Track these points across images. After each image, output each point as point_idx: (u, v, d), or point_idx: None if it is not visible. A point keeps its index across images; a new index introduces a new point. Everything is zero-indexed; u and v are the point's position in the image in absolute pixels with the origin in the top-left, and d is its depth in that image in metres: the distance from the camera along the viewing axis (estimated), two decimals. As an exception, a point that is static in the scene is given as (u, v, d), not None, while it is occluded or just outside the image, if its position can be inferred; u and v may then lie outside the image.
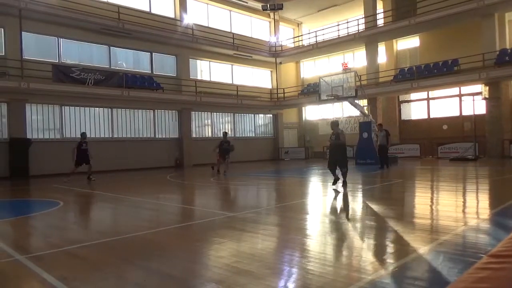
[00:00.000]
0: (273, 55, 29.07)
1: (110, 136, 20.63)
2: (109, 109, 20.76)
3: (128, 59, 22.60)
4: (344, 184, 10.35)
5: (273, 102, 28.90)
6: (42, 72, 17.64)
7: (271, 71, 30.33)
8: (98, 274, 3.91)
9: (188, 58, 24.68)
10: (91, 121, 20.15)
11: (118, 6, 20.69)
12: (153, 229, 6.06)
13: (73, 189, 12.28)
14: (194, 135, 24.26)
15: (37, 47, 18.85)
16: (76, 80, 18.59)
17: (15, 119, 17.36)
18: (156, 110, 22.62)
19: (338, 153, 10.26)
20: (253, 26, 29.09)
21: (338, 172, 10.60)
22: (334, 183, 10.46)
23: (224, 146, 16.20)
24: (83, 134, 15.11)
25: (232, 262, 4.07)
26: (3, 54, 17.59)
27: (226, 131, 17.83)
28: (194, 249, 4.83)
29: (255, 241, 5.14)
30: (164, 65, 23.96)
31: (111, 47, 21.44)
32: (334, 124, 10.55)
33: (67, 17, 18.53)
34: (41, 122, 18.55)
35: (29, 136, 17.65)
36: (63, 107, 19.14)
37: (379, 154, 16.82)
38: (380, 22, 25.39)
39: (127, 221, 7.32)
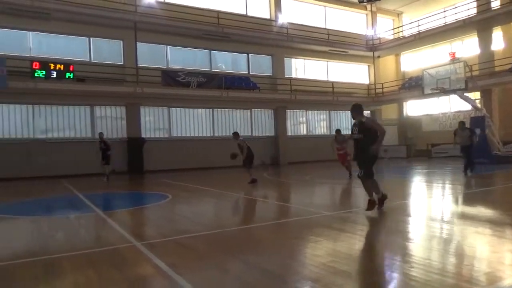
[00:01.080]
0: (370, 49, 27.85)
1: (211, 135, 21.97)
2: (210, 110, 22.09)
3: (226, 62, 23.77)
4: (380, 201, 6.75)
5: (371, 98, 27.70)
6: (153, 78, 19.51)
7: (368, 66, 29.11)
8: (202, 264, 4.22)
9: (283, 57, 24.99)
10: (194, 121, 21.70)
11: (218, 12, 21.86)
12: (252, 224, 6.31)
13: (180, 184, 13.36)
14: (289, 133, 24.51)
15: (149, 55, 20.90)
16: (181, 84, 20.18)
17: (132, 120, 19.51)
18: (252, 109, 23.39)
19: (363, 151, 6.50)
20: (349, 20, 28.21)
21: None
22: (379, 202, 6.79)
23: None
24: (100, 134, 15.64)
25: (329, 261, 4.04)
26: (122, 63, 19.88)
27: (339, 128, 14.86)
28: (291, 246, 4.91)
29: (353, 241, 5.02)
30: (260, 65, 24.63)
31: (212, 51, 22.76)
32: (356, 108, 6.73)
33: (173, 26, 20.20)
34: (153, 123, 20.59)
35: (143, 135, 19.70)
36: (170, 108, 20.94)
37: (464, 156, 13.29)
38: (495, 4, 22.57)
39: (229, 215, 7.75)
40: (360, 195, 10.31)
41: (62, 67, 16.98)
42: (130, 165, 18.89)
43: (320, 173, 15.58)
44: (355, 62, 28.24)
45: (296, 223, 6.43)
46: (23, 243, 5.65)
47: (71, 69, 17.16)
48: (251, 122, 23.41)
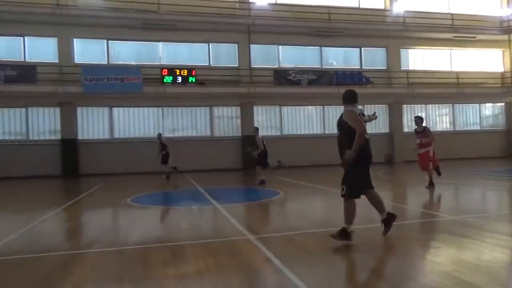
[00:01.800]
0: (505, 31, 24.29)
1: (322, 132, 21.83)
2: (321, 107, 21.96)
3: (338, 57, 23.31)
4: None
5: (506, 88, 24.18)
6: (266, 77, 20.21)
7: (502, 51, 25.45)
8: (313, 261, 4.25)
9: (398, 49, 23.43)
10: (305, 119, 21.84)
11: (329, 7, 21.55)
12: (364, 225, 6.10)
13: (290, 181, 13.60)
14: (406, 130, 22.91)
15: (262, 55, 21.69)
16: (292, 82, 20.49)
17: (246, 119, 20.54)
18: (365, 105, 22.49)
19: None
20: (477, 0, 25.04)
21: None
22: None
23: None
24: (158, 135, 15.77)
25: (452, 270, 3.70)
26: (237, 65, 21.05)
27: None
28: (407, 250, 4.62)
29: (481, 250, 4.49)
30: (373, 59, 23.52)
31: (322, 48, 22.56)
32: (344, 96, 5.31)
33: (285, 26, 20.60)
34: (265, 121, 21.36)
35: (256, 133, 20.60)
36: (281, 107, 21.43)
37: None
38: None
39: (339, 213, 7.62)
40: (492, 198, 9.12)
41: (186, 72, 18.85)
42: (244, 162, 19.90)
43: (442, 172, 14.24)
44: (485, 48, 24.96)
45: (412, 226, 6.01)
46: (155, 230, 6.43)
47: (193, 73, 18.94)
48: (363, 119, 22.54)
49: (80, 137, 18.87)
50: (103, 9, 18.57)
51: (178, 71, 18.80)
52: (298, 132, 21.64)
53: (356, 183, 4.77)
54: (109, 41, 19.65)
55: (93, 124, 19.25)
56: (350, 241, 4.72)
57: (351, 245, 4.72)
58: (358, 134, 4.67)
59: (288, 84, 20.43)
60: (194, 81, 18.96)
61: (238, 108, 20.85)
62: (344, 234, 4.74)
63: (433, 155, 10.01)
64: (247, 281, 3.74)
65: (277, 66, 21.59)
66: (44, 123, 18.82)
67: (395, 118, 22.60)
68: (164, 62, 20.04)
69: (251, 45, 20.72)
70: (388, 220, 5.05)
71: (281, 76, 20.59)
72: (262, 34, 20.88)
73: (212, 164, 19.17)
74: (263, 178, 12.22)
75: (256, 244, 4.95)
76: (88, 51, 19.55)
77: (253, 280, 3.81)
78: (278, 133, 21.41)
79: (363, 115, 5.20)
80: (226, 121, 20.97)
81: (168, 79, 18.63)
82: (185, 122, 20.36)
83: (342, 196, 4.90)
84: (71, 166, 18.21)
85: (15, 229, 6.37)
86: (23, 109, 18.51)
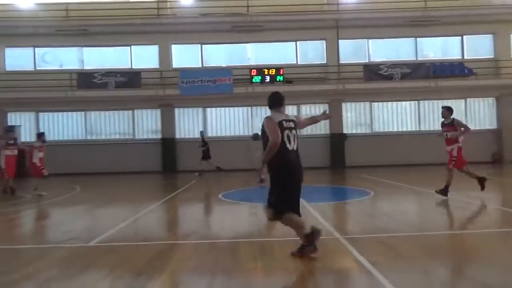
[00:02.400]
0: None
1: (417, 129, 20.44)
2: (416, 102, 20.54)
3: (435, 48, 21.56)
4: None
5: None
6: (355, 73, 19.57)
7: None
8: (404, 265, 4.04)
9: (508, 34, 20.76)
10: (398, 116, 20.64)
11: (424, -5, 20.05)
12: (464, 230, 5.60)
13: (381, 180, 12.99)
14: (519, 125, 20.27)
15: (351, 51, 21.04)
16: (384, 77, 19.52)
17: (334, 117, 19.94)
18: (467, 99, 20.46)
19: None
20: None
21: None
22: None
23: None
24: (201, 133, 15.89)
25: None
26: (325, 62, 20.72)
27: None
28: (517, 261, 4.12)
29: None
30: (477, 47, 21.20)
31: (417, 39, 21.06)
32: (268, 98, 4.74)
33: (375, 18, 19.70)
34: (354, 118, 20.71)
35: (344, 131, 20.06)
36: (372, 103, 20.55)
37: None
38: None
39: (434, 216, 7.10)
40: None
41: (273, 71, 19.17)
42: (332, 160, 19.55)
43: None
44: None
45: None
46: (245, 225, 6.67)
47: (281, 72, 19.16)
48: (465, 113, 20.50)
49: (177, 136, 20.36)
50: (197, 16, 19.82)
51: (266, 70, 19.20)
52: (390, 129, 20.53)
53: (280, 201, 4.31)
54: (203, 45, 20.85)
55: (188, 124, 20.63)
56: (315, 247, 4.23)
57: (452, 252, 4.37)
58: (270, 143, 4.25)
59: (379, 79, 19.50)
60: (282, 80, 19.18)
61: (326, 106, 20.51)
62: (307, 243, 4.24)
63: (458, 153, 8.27)
64: (336, 281, 3.69)
65: (367, 61, 20.74)
66: (147, 124, 20.73)
67: (504, 112, 20.13)
68: (252, 62, 20.59)
69: (340, 41, 20.23)
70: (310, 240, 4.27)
71: (372, 71, 19.75)
72: (350, 28, 20.24)
73: (308, 162, 19.19)
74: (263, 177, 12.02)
75: (345, 244, 4.86)
76: (184, 56, 20.98)
77: (341, 281, 3.75)
78: (368, 131, 20.58)
79: (291, 121, 4.50)
80: (314, 119, 20.82)
81: (257, 79, 19.13)
82: (273, 121, 20.68)
83: (267, 207, 4.45)
84: (169, 163, 19.75)
85: (124, 219, 7.15)
86: (130, 111, 20.58)
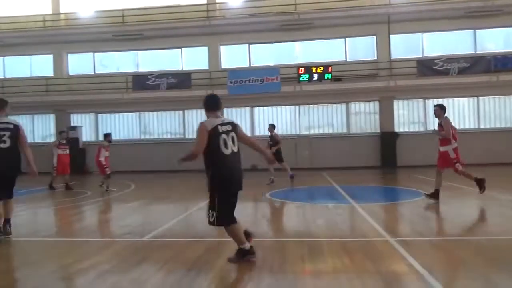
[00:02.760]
0: None
1: (476, 127, 19.22)
2: (474, 98, 19.33)
3: (497, 40, 20.14)
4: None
5: None
6: (407, 69, 18.79)
7: None
8: (463, 273, 3.83)
9: None
10: (454, 113, 19.50)
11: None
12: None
13: (433, 180, 12.35)
14: None
15: (403, 46, 20.21)
16: (439, 72, 18.55)
17: (385, 115, 19.49)
18: (534, 95, 18.93)
19: None
20: None
21: None
22: None
23: None
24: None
25: None
26: (375, 58, 20.10)
27: None
28: None
29: None
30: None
31: (476, 30, 19.80)
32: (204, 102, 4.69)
33: (430, 10, 18.80)
34: (406, 116, 19.88)
35: (396, 130, 19.34)
36: (426, 100, 19.61)
37: None
38: None
39: (493, 220, 6.65)
40: None
41: (321, 69, 18.87)
42: (383, 160, 18.93)
43: None
44: None
45: None
46: (292, 225, 6.67)
47: (329, 70, 18.82)
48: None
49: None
50: (246, 16, 20.04)
51: (314, 68, 18.96)
52: (446, 127, 19.48)
53: (221, 216, 4.23)
54: (250, 45, 21.05)
55: (236, 123, 20.87)
56: (253, 256, 4.31)
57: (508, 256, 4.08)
58: (192, 151, 4.23)
59: (434, 75, 18.56)
60: (330, 77, 18.84)
61: (377, 103, 19.89)
62: (243, 252, 4.33)
63: (455, 157, 8.00)
64: (386, 286, 3.58)
65: (421, 56, 19.83)
66: (197, 124, 21.08)
67: None
68: (300, 61, 20.46)
69: (391, 36, 19.53)
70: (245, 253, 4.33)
71: (426, 66, 18.84)
72: (403, 22, 19.46)
73: (349, 162, 18.73)
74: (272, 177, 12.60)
75: (396, 247, 4.70)
76: (232, 56, 21.31)
77: (393, 286, 3.63)
78: (422, 129, 19.65)
79: (228, 124, 4.41)
80: (363, 117, 20.23)
81: (305, 77, 18.96)
82: (321, 119, 20.39)
83: (209, 223, 4.33)
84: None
85: (174, 216, 7.42)
86: (181, 111, 21.24)
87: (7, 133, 5.57)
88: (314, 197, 10.57)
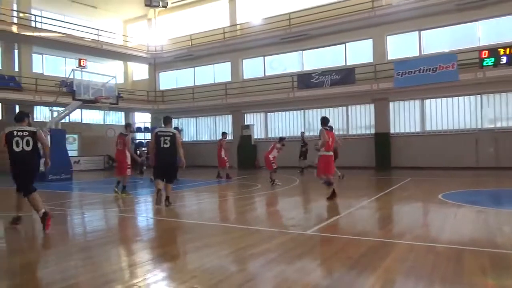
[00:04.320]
0: None
1: None
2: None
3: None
4: None
5: None
6: None
7: None
8: None
9: None
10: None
11: None
12: None
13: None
14: None
15: None
16: None
17: None
18: None
19: None
20: None
21: None
22: None
23: None
24: (302, 134, 16.98)
25: None
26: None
27: None
28: None
29: None
30: None
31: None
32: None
33: None
34: None
35: None
36: None
37: None
38: None
39: None
40: None
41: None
42: None
43: None
44: None
45: None
46: (470, 232, 5.84)
47: (522, 51, 15.65)
48: None
49: (392, 131, 19.52)
50: (415, 1, 18.45)
51: (502, 50, 16.07)
52: None
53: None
54: (421, 32, 19.30)
55: (404, 118, 19.45)
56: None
57: None
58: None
59: None
60: (523, 59, 15.66)
61: None
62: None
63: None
64: None
65: None
66: (360, 119, 20.68)
67: None
68: (483, 43, 17.68)
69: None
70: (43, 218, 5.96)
71: None
72: None
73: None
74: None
75: None
76: (400, 46, 19.93)
77: None
78: None
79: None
80: None
81: (489, 61, 16.26)
82: (509, 110, 17.11)
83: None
84: (383, 158, 19.06)
85: (338, 212, 7.46)
86: (344, 107, 21.03)
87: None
88: (501, 201, 9.02)
